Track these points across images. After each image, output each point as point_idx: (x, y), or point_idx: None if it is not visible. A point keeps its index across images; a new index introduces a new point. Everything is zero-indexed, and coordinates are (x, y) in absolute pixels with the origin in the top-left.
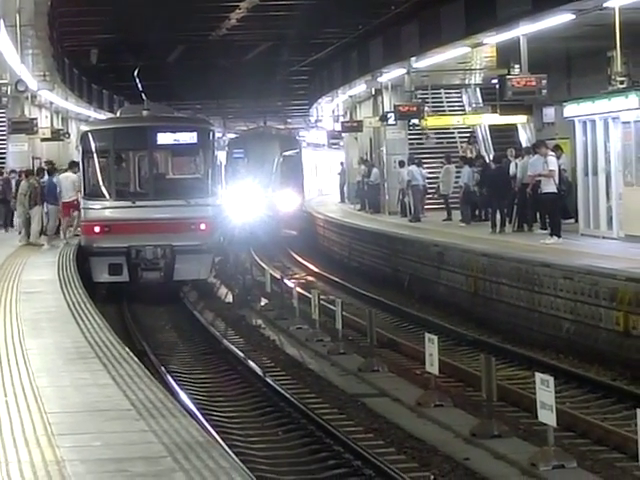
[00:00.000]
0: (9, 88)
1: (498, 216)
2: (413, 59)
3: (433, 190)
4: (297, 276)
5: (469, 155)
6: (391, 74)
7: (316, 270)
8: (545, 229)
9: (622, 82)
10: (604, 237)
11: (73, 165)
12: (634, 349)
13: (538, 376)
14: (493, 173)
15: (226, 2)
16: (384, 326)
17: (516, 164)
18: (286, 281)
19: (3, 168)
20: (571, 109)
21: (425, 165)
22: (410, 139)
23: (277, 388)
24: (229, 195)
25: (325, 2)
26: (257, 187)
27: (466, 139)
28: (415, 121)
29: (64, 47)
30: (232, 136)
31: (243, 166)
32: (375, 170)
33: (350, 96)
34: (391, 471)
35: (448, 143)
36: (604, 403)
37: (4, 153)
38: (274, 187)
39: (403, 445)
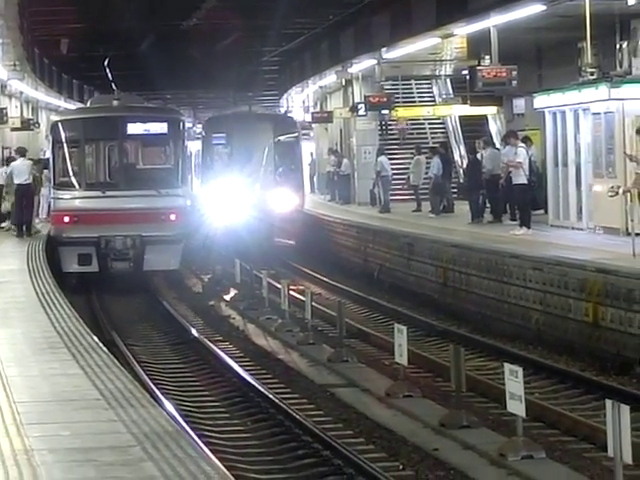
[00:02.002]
0: None
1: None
2: (384, 50)
3: (403, 181)
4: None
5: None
6: (362, 65)
7: (287, 261)
8: (515, 220)
9: (592, 73)
10: (573, 228)
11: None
12: (603, 340)
13: (507, 367)
14: (469, 164)
15: None
16: (353, 317)
17: (481, 155)
18: (255, 272)
19: None
20: (541, 100)
21: (396, 156)
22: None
23: (246, 378)
24: (207, 191)
25: None
26: (243, 182)
27: (440, 130)
28: (385, 112)
29: (34, 37)
30: (211, 116)
31: (225, 155)
32: (345, 161)
33: (320, 87)
34: (360, 461)
35: (418, 134)
36: (573, 394)
37: None
38: (265, 182)
39: (372, 435)
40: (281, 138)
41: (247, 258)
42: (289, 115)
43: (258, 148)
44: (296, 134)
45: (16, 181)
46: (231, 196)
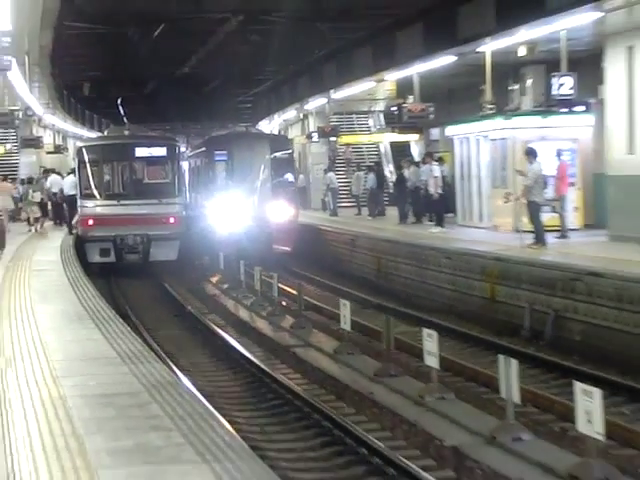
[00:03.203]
0: (20, 113)
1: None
2: (332, 91)
3: (347, 191)
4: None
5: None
6: (315, 103)
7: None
8: (432, 221)
9: (491, 109)
10: (476, 227)
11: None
12: (498, 311)
13: (425, 331)
14: (397, 179)
15: (188, 47)
16: (310, 294)
17: (406, 171)
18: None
19: (15, 176)
20: (451, 129)
21: (341, 172)
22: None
23: (227, 340)
24: (210, 203)
25: (263, 49)
26: (243, 194)
27: (374, 152)
28: (333, 139)
29: (63, 81)
30: (213, 135)
31: (226, 170)
32: (302, 176)
33: (284, 120)
34: (314, 402)
35: (358, 156)
36: (475, 351)
37: (17, 163)
38: (263, 195)
39: (323, 383)
40: (277, 155)
41: (248, 262)
42: (283, 134)
43: (256, 164)
44: (290, 151)
45: (53, 190)
46: (232, 207)
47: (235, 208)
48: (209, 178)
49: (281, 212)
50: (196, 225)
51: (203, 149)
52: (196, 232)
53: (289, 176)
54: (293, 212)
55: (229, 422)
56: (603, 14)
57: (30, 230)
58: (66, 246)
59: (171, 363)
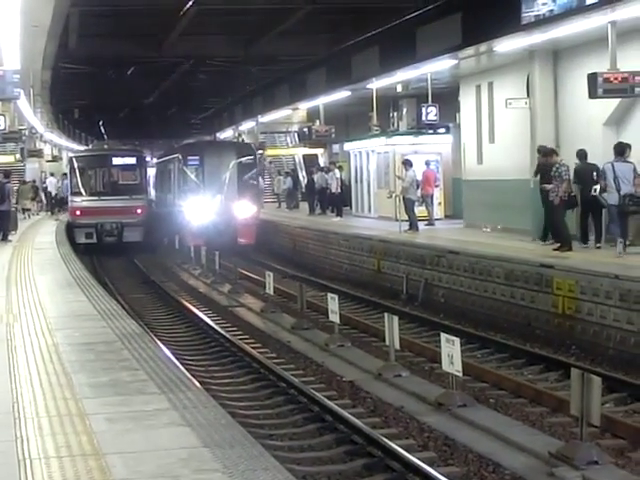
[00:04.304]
0: (26, 131)
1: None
2: (259, 116)
3: (270, 190)
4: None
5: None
6: (247, 125)
7: None
8: (333, 212)
9: (376, 130)
10: (366, 217)
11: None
12: (383, 280)
13: (329, 295)
14: (308, 181)
15: (152, 83)
16: (243, 267)
17: (315, 176)
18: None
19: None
20: (348, 145)
21: (267, 177)
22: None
23: (180, 300)
24: (183, 202)
25: (208, 85)
26: (213, 194)
27: (291, 161)
28: (260, 151)
29: (58, 108)
30: (186, 142)
31: (198, 173)
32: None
33: (224, 137)
34: (245, 346)
35: (278, 164)
36: (366, 310)
37: (24, 169)
38: (229, 194)
39: (253, 333)
40: (242, 160)
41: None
42: (248, 142)
43: (224, 168)
44: (253, 157)
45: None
46: (203, 205)
47: (205, 206)
48: (182, 180)
49: (245, 210)
50: (164, 219)
51: (176, 155)
52: (165, 225)
53: (252, 178)
54: (255, 210)
55: (181, 363)
56: (457, 61)
57: (25, 218)
58: (60, 231)
59: (138, 319)
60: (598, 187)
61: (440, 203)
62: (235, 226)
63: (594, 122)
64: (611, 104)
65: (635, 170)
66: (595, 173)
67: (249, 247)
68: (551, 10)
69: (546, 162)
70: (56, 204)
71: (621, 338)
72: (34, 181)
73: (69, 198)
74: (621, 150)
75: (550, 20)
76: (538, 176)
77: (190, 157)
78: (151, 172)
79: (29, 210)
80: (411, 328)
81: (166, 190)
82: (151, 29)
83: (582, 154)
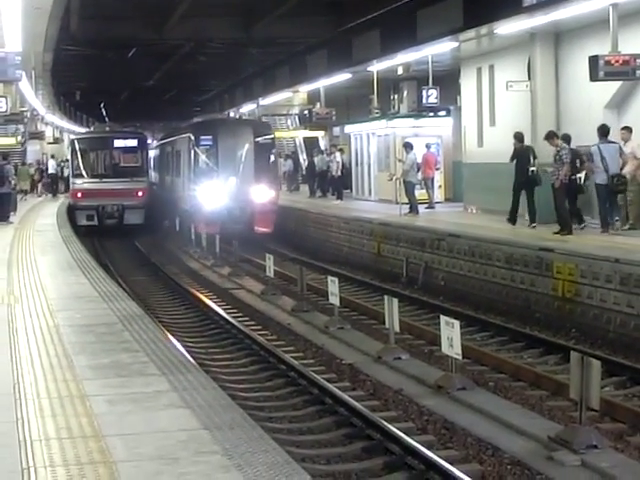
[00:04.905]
0: (28, 113)
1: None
2: (260, 99)
3: None
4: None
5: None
6: (247, 107)
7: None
8: (334, 195)
9: (377, 112)
10: (366, 200)
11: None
12: (383, 263)
13: (329, 278)
14: (308, 164)
15: (152, 66)
16: (243, 249)
17: (316, 159)
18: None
19: (24, 160)
20: (349, 128)
21: None
22: None
23: (180, 283)
24: (195, 185)
25: (209, 67)
26: (228, 177)
27: (292, 144)
28: None
29: (59, 90)
30: (198, 121)
31: (212, 154)
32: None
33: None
34: (245, 329)
35: (279, 147)
36: (366, 292)
37: (25, 151)
38: (246, 177)
39: (253, 316)
40: (259, 139)
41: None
42: (265, 121)
43: (239, 148)
44: (272, 137)
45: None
46: (216, 190)
47: (219, 190)
48: (193, 162)
49: (263, 195)
50: (169, 203)
51: (187, 135)
52: (170, 209)
53: (270, 160)
54: (274, 195)
55: (182, 345)
56: (458, 44)
57: (22, 199)
58: (61, 213)
59: (139, 301)
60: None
61: (440, 186)
62: (252, 212)
63: (595, 105)
64: (612, 87)
65: (620, 149)
66: (578, 160)
67: (267, 236)
68: None
69: (521, 148)
70: (55, 185)
71: (621, 321)
72: (39, 162)
73: (70, 180)
74: (605, 131)
75: (551, 2)
76: (515, 161)
77: (203, 136)
78: (151, 154)
79: (26, 192)
80: (411, 311)
81: (173, 173)
82: (152, 11)
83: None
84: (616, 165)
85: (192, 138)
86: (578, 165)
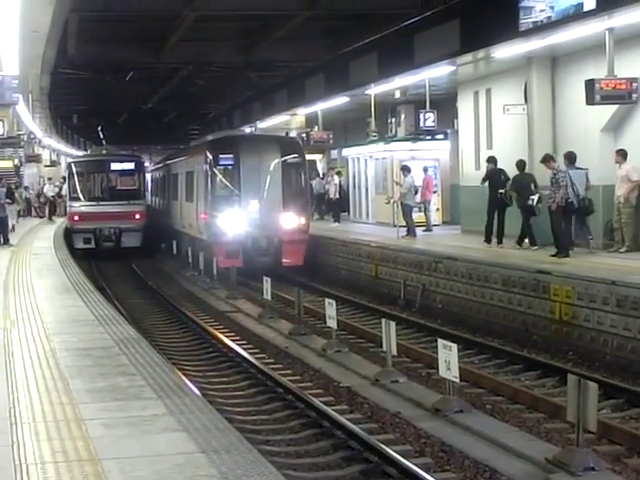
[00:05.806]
0: (25, 136)
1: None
2: (258, 122)
3: None
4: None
5: None
6: (245, 130)
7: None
8: (332, 218)
9: (374, 136)
10: (364, 222)
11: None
12: (380, 285)
13: (326, 300)
14: None
15: (150, 89)
16: (239, 273)
17: (313, 182)
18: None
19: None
20: (346, 151)
21: None
22: None
23: (177, 307)
24: (212, 211)
25: (207, 90)
26: (251, 202)
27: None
28: None
29: (57, 113)
30: (216, 137)
31: (233, 175)
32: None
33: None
34: (243, 352)
35: None
36: (363, 315)
37: (22, 174)
38: (272, 202)
39: (250, 339)
40: (287, 159)
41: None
42: (293, 137)
43: (265, 169)
44: (300, 155)
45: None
46: (239, 217)
47: (242, 218)
48: (210, 185)
49: (291, 222)
50: (168, 227)
51: (203, 153)
52: (171, 235)
53: (300, 183)
54: (304, 223)
55: (178, 368)
56: (455, 67)
57: (17, 221)
58: (57, 236)
59: (134, 325)
60: (536, 197)
61: (438, 209)
62: (279, 243)
63: (592, 129)
64: (609, 110)
65: (586, 175)
66: (532, 184)
67: (296, 269)
68: (549, 17)
69: (492, 170)
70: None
71: (618, 344)
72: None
73: (67, 203)
74: (573, 158)
75: (548, 27)
76: (486, 183)
77: (222, 155)
78: (148, 176)
79: (19, 214)
80: (408, 334)
81: (180, 196)
82: (150, 35)
83: (521, 165)
84: (583, 189)
85: (209, 157)
86: (532, 189)
